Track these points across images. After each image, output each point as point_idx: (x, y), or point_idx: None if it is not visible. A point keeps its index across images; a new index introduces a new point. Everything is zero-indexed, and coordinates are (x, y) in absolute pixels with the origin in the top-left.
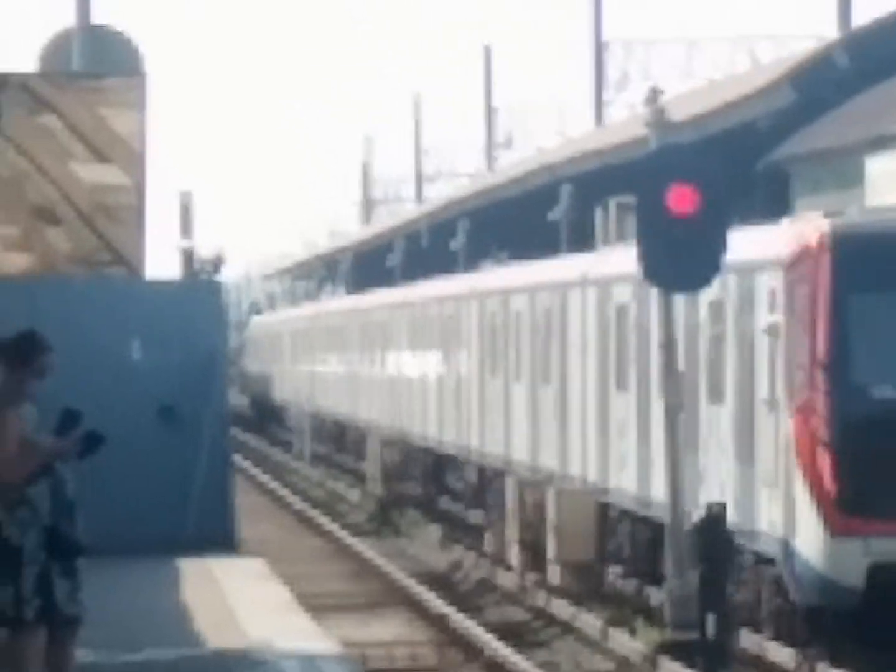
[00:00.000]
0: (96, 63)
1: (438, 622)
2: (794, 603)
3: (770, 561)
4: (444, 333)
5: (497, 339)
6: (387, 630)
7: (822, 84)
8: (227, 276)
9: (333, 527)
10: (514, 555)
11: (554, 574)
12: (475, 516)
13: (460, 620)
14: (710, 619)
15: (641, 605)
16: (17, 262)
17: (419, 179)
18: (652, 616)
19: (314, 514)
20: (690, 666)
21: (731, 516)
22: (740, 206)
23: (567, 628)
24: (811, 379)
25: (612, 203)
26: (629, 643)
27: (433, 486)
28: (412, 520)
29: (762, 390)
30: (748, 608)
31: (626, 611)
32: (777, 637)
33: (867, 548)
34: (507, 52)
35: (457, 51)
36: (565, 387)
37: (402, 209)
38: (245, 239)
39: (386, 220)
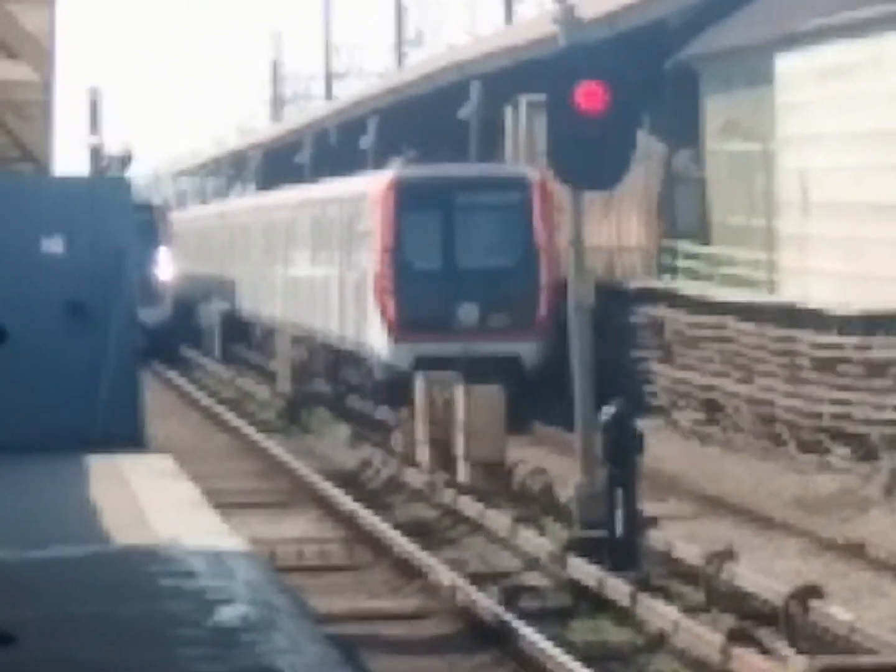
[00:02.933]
0: None
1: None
2: (377, 378)
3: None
4: (340, 233)
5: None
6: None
7: None
8: (135, 173)
9: (241, 423)
10: (423, 453)
11: (463, 472)
12: (383, 413)
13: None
14: (619, 517)
15: (550, 503)
16: None
17: (329, 77)
18: (560, 514)
19: (222, 410)
20: (599, 563)
21: (353, 336)
22: (650, 105)
23: (476, 526)
24: (382, 258)
25: (523, 101)
26: (538, 541)
27: (338, 383)
28: (321, 418)
29: (363, 265)
30: (361, 383)
31: (535, 509)
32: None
33: (412, 347)
34: None
35: None
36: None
37: (311, 107)
38: (154, 137)
39: (295, 117)
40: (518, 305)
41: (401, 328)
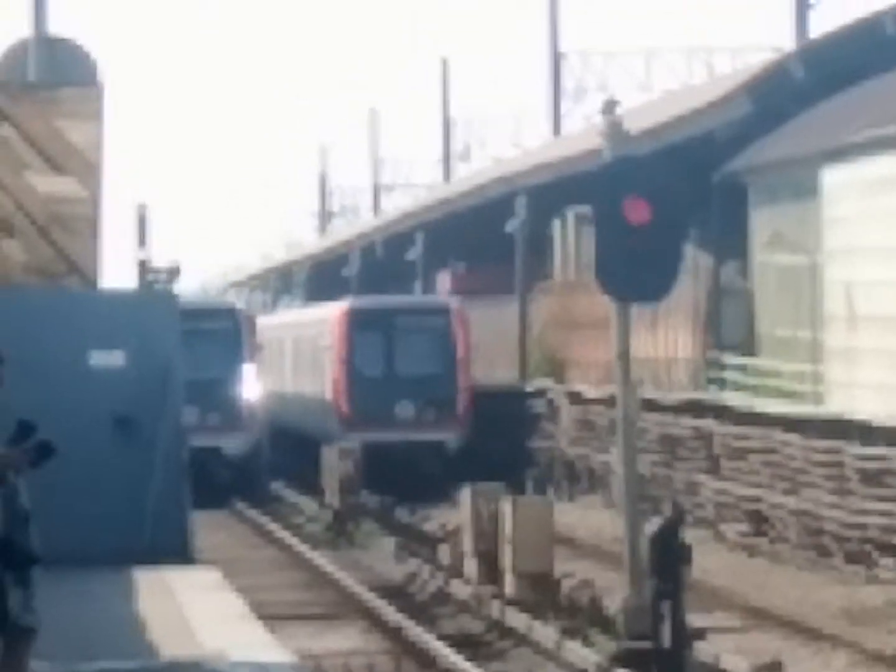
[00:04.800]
0: (52, 74)
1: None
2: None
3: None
4: (313, 349)
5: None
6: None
7: (778, 95)
8: (183, 287)
9: (286, 534)
10: (470, 566)
11: (510, 585)
12: (430, 526)
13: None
14: (665, 630)
15: (597, 615)
16: None
17: (376, 190)
18: (607, 626)
19: (266, 521)
20: None
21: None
22: (698, 217)
23: (522, 638)
24: (339, 367)
25: (570, 214)
26: (584, 653)
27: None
28: (368, 531)
29: (327, 371)
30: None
31: (582, 620)
32: None
33: (361, 437)
34: (464, 63)
35: (414, 63)
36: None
37: (358, 220)
38: (201, 251)
39: (343, 230)
40: (443, 403)
41: (352, 421)
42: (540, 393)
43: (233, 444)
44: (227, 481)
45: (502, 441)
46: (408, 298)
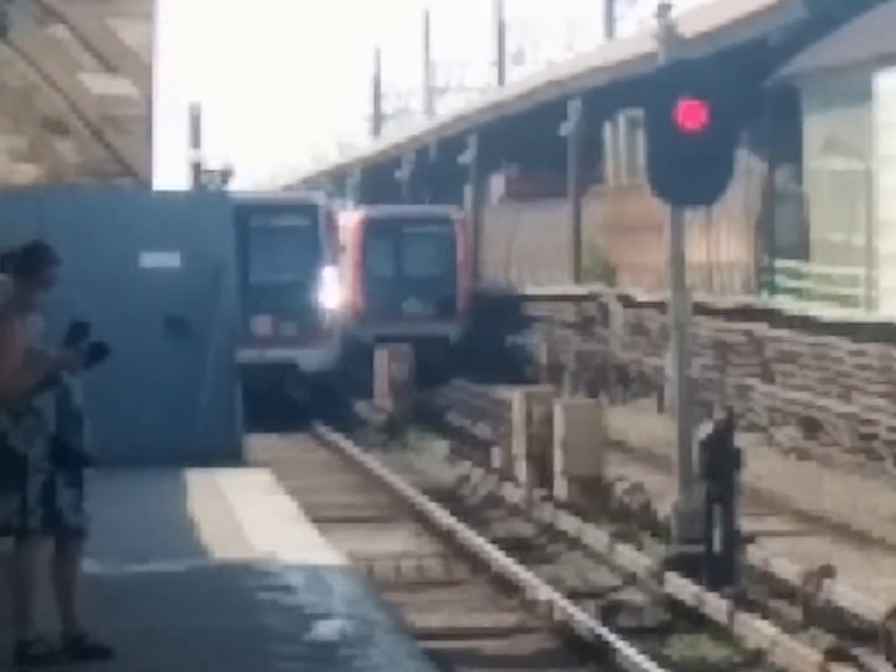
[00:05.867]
0: None
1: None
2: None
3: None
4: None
5: None
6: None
7: (832, 0)
8: (235, 188)
9: (337, 437)
10: (521, 469)
11: (561, 488)
12: (482, 429)
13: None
14: (717, 535)
15: (648, 519)
16: (25, 173)
17: (429, 93)
18: (658, 530)
19: (318, 424)
20: (697, 581)
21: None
22: (750, 122)
23: (573, 542)
24: (354, 269)
25: (622, 117)
26: (635, 557)
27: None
28: (420, 434)
29: (346, 273)
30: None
31: (633, 525)
32: None
33: (373, 331)
34: None
35: None
36: None
37: (411, 123)
38: (254, 152)
39: (395, 133)
40: (446, 300)
41: (365, 317)
42: (591, 297)
43: (311, 359)
44: (304, 400)
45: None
46: (416, 208)
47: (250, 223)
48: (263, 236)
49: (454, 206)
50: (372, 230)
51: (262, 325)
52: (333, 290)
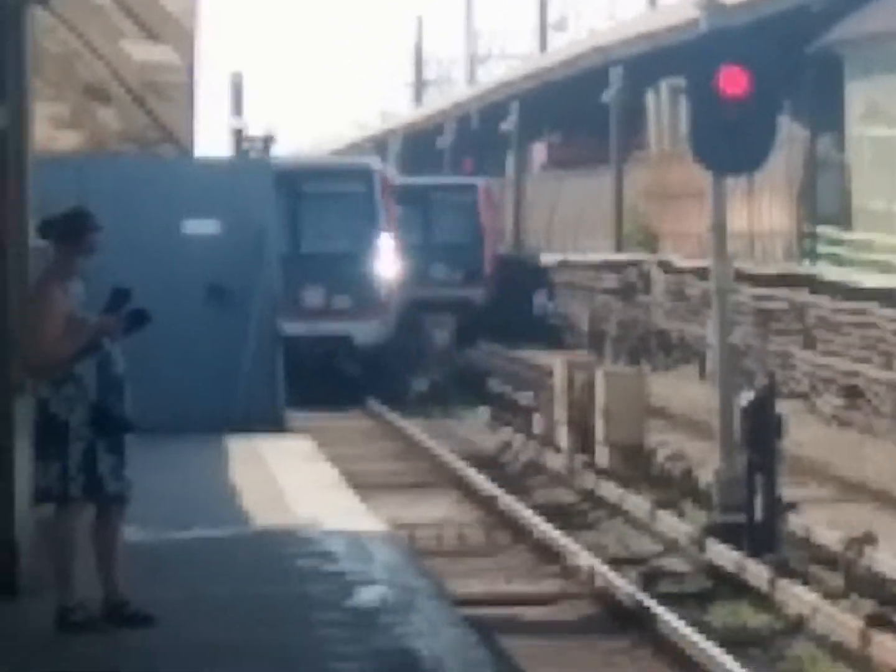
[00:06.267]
0: None
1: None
2: None
3: None
4: None
5: None
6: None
7: None
8: (277, 155)
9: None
10: (562, 436)
11: (602, 456)
12: (523, 396)
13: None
14: (758, 502)
15: (689, 487)
16: (67, 140)
17: (471, 61)
18: (700, 498)
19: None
20: (738, 548)
21: None
22: (792, 89)
23: (615, 510)
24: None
25: (664, 85)
26: (677, 525)
27: None
28: (462, 401)
29: None
30: None
31: (674, 493)
32: None
33: (402, 294)
34: None
35: None
36: None
37: (453, 91)
38: (296, 119)
39: (437, 101)
40: (472, 266)
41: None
42: (633, 263)
43: (366, 333)
44: (358, 376)
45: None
46: (443, 179)
47: (302, 189)
48: (316, 203)
49: (489, 177)
50: (401, 199)
51: (314, 296)
52: (390, 260)
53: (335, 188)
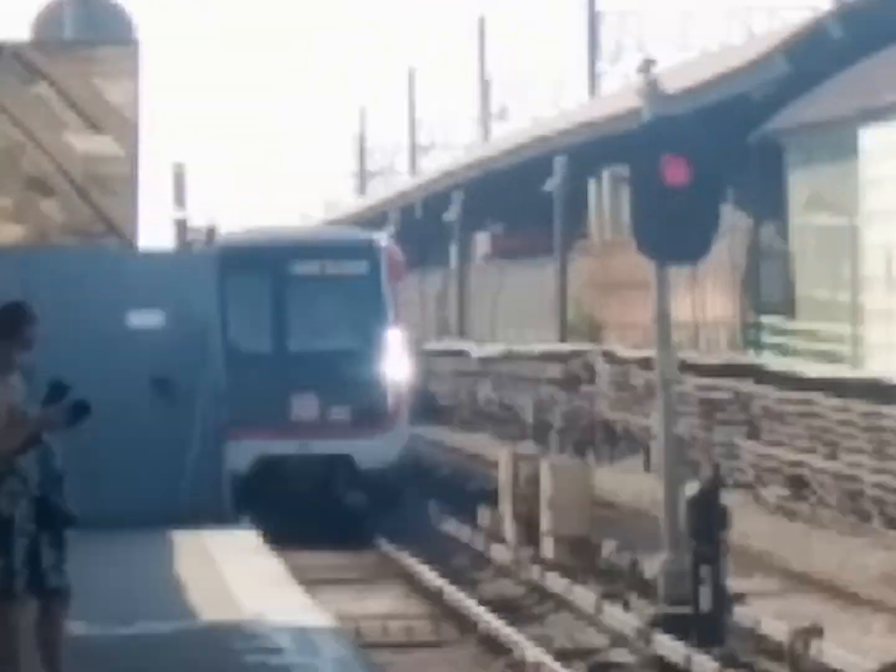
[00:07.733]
0: (89, 32)
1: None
2: None
3: None
4: None
5: None
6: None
7: (815, 55)
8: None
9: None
10: (509, 529)
11: (548, 548)
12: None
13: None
14: (704, 594)
15: (636, 578)
16: (10, 233)
17: (413, 151)
18: (646, 590)
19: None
20: (685, 640)
21: None
22: (735, 178)
23: (561, 602)
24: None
25: (606, 174)
26: (623, 617)
27: None
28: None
29: None
30: None
31: (621, 585)
32: None
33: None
34: (501, 23)
35: (451, 22)
36: None
37: (396, 180)
38: (239, 210)
39: (380, 191)
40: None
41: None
42: (577, 354)
43: (371, 452)
44: (360, 505)
45: None
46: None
47: (290, 270)
48: (308, 288)
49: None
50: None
51: (305, 407)
52: (399, 360)
53: (332, 270)
